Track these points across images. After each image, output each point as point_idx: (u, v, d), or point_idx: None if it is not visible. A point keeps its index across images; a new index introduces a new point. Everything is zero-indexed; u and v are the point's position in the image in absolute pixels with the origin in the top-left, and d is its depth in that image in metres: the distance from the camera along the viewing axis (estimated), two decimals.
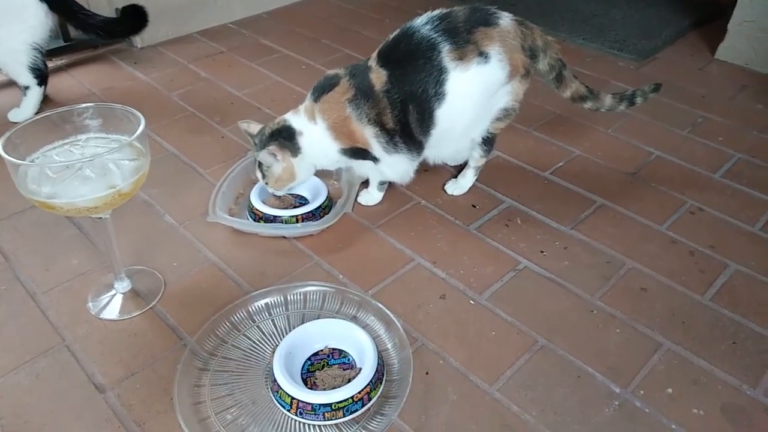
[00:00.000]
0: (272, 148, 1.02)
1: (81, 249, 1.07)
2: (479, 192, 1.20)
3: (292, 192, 1.16)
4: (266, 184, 1.08)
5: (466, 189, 1.19)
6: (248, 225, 1.07)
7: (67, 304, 0.96)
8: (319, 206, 1.10)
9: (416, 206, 1.17)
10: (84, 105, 0.87)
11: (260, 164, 1.05)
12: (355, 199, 1.16)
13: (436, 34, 0.99)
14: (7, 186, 1.19)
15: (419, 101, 1.01)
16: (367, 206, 1.16)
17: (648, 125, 1.43)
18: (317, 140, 1.04)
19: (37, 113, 1.44)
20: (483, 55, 0.99)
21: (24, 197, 0.77)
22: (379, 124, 1.02)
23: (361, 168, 1.12)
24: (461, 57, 0.99)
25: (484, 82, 1.02)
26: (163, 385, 0.82)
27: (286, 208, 1.12)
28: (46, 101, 1.49)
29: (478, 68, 1.00)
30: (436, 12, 1.01)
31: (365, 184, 1.18)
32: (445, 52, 0.98)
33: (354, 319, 0.90)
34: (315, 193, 1.15)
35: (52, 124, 0.85)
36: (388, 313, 0.89)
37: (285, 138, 1.04)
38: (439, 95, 1.00)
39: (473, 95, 1.02)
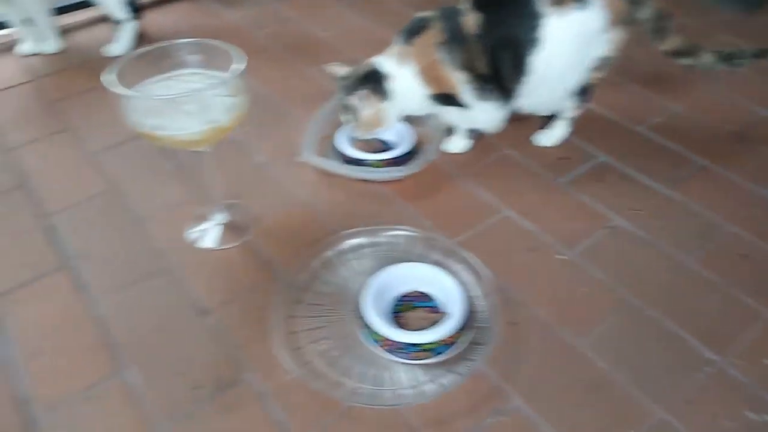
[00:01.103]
0: (361, 92, 1.02)
1: (181, 181, 1.12)
2: (570, 144, 1.17)
3: (378, 137, 1.16)
4: (352, 128, 1.08)
5: (556, 140, 1.16)
6: (336, 166, 1.09)
7: (168, 231, 1.01)
8: (406, 152, 1.10)
9: (503, 156, 1.15)
10: (184, 40, 0.89)
11: (347, 108, 1.06)
12: (441, 147, 1.15)
13: None
14: (110, 119, 1.26)
15: (513, 48, 0.98)
16: (453, 154, 1.15)
17: (757, 82, 1.34)
18: (406, 85, 1.04)
19: (134, 48, 1.49)
20: (581, 1, 0.95)
21: (130, 128, 0.81)
22: (470, 70, 1.00)
23: (449, 115, 1.10)
24: (559, 2, 0.95)
25: (581, 29, 0.98)
26: (260, 314, 0.86)
27: (372, 151, 1.13)
28: (141, 37, 1.54)
29: (576, 14, 0.96)
30: None
31: (452, 130, 1.16)
32: None
33: (441, 265, 0.91)
34: (400, 137, 1.15)
35: (153, 59, 0.88)
36: (476, 260, 0.90)
37: (374, 82, 1.04)
38: (534, 42, 0.97)
39: (569, 43, 0.98)
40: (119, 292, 0.91)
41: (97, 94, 1.36)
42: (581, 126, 1.17)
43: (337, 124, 1.18)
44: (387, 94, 1.04)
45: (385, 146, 1.16)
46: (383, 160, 1.08)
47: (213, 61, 0.89)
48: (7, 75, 1.45)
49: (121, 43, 1.49)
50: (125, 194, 1.09)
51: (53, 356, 0.83)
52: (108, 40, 1.53)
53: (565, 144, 1.17)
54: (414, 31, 1.02)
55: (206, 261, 0.96)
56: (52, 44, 1.50)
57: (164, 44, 0.88)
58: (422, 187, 1.08)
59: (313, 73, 1.42)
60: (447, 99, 1.04)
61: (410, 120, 1.15)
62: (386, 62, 1.04)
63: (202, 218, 1.03)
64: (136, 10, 1.48)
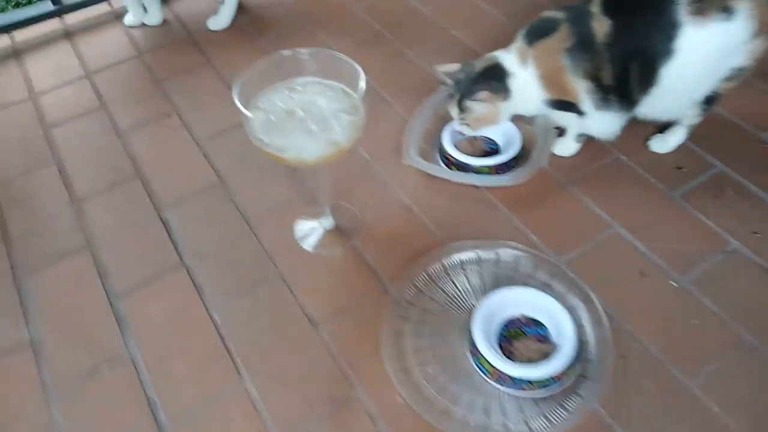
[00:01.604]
0: (484, 94, 0.99)
1: (285, 177, 1.14)
2: (686, 151, 1.12)
3: (483, 135, 1.14)
4: (461, 122, 1.06)
5: (672, 147, 1.11)
6: (441, 171, 1.09)
7: (276, 232, 1.05)
8: (513, 157, 1.08)
9: (615, 162, 1.11)
10: (305, 50, 0.89)
11: (462, 105, 1.02)
12: (550, 149, 1.12)
13: None
14: (215, 102, 1.28)
15: (643, 58, 0.93)
16: (562, 157, 1.12)
17: None
18: (525, 87, 1.01)
19: (234, 20, 1.50)
20: (727, 11, 0.88)
21: (234, 114, 0.81)
22: (595, 79, 0.95)
23: (562, 118, 1.07)
24: (700, 11, 0.88)
25: (722, 40, 0.91)
26: (369, 329, 0.90)
27: (478, 154, 1.11)
28: (241, 9, 1.54)
29: (719, 25, 0.89)
30: None
31: (561, 131, 1.13)
32: (683, 5, 0.88)
33: (548, 287, 0.91)
34: (508, 139, 1.12)
35: (273, 66, 0.88)
36: (585, 286, 0.89)
37: (495, 79, 1.00)
38: (668, 53, 0.91)
39: (706, 54, 0.92)
40: (234, 296, 0.97)
41: (201, 72, 1.39)
42: (699, 130, 1.11)
43: (441, 121, 1.17)
44: (507, 93, 1.01)
45: (490, 147, 1.14)
46: (490, 165, 1.07)
47: (331, 70, 0.89)
48: (114, 48, 1.50)
49: (222, 16, 1.50)
50: (232, 189, 1.13)
51: (175, 361, 0.90)
52: (207, 10, 1.54)
53: (681, 150, 1.12)
54: (540, 32, 0.98)
55: (315, 266, 1.00)
56: (154, 17, 1.53)
57: (285, 53, 0.88)
58: (528, 194, 1.07)
59: (413, 56, 1.39)
60: (564, 105, 1.01)
61: (517, 118, 1.12)
62: (509, 58, 1.01)
63: (308, 219, 1.06)
64: None
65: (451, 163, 1.10)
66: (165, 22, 1.56)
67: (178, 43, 1.50)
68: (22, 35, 1.55)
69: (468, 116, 1.03)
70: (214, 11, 1.52)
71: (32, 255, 1.06)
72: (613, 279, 0.94)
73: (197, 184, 1.14)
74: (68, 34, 1.55)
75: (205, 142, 1.23)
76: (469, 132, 1.08)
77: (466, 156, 1.08)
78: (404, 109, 1.25)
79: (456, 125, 1.08)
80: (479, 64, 1.02)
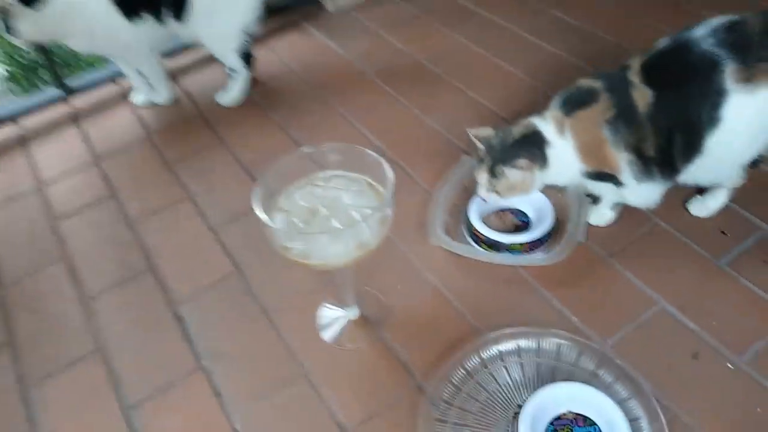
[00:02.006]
0: (523, 161, 0.94)
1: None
2: (729, 213, 1.06)
3: (515, 207, 1.09)
4: (490, 189, 0.99)
5: (713, 212, 1.05)
6: (471, 252, 1.03)
7: (298, 324, 1.00)
8: (547, 232, 1.02)
9: (654, 229, 1.05)
10: (329, 146, 0.85)
11: (495, 172, 0.97)
12: (585, 219, 1.06)
13: (721, 49, 0.83)
14: (228, 184, 1.24)
15: (688, 128, 0.88)
16: (598, 226, 1.06)
17: None
18: (562, 156, 0.95)
19: (245, 97, 1.48)
20: None
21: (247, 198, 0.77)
22: (636, 150, 0.91)
23: (597, 188, 1.02)
24: (749, 78, 0.83)
25: None
26: None
27: (508, 229, 1.06)
28: (253, 82, 1.52)
29: None
30: (722, 20, 0.85)
31: (595, 199, 1.07)
32: (729, 72, 0.83)
33: (594, 377, 0.85)
34: (539, 211, 1.07)
35: (294, 164, 0.84)
36: (634, 374, 0.83)
37: (534, 147, 0.95)
38: (714, 121, 0.86)
39: (755, 123, 0.87)
40: (255, 401, 0.91)
41: (213, 153, 1.36)
42: (742, 189, 1.05)
43: (467, 193, 1.12)
44: (545, 162, 0.95)
45: (520, 220, 1.09)
46: (523, 243, 1.01)
47: (354, 163, 0.85)
48: (122, 129, 1.48)
49: (233, 92, 1.48)
50: (249, 278, 1.08)
51: None
52: (215, 83, 1.53)
53: (724, 212, 1.06)
54: (578, 102, 0.94)
55: (341, 363, 0.94)
56: (163, 95, 1.51)
57: (306, 149, 0.85)
58: (565, 271, 1.00)
59: (431, 122, 1.35)
60: (603, 176, 0.96)
61: (547, 186, 1.07)
62: (546, 126, 0.96)
63: (331, 307, 1.00)
64: (249, 59, 1.46)
65: (480, 240, 1.04)
66: (175, 99, 1.54)
67: (189, 121, 1.48)
68: (28, 122, 1.54)
69: (500, 183, 0.97)
70: (224, 85, 1.49)
71: (40, 363, 1.01)
72: (664, 363, 0.87)
73: (212, 275, 1.10)
74: (75, 118, 1.53)
75: (219, 228, 1.19)
76: (495, 200, 1.01)
77: (497, 233, 1.03)
78: (425, 179, 1.21)
79: (482, 192, 1.01)
80: (517, 131, 0.97)
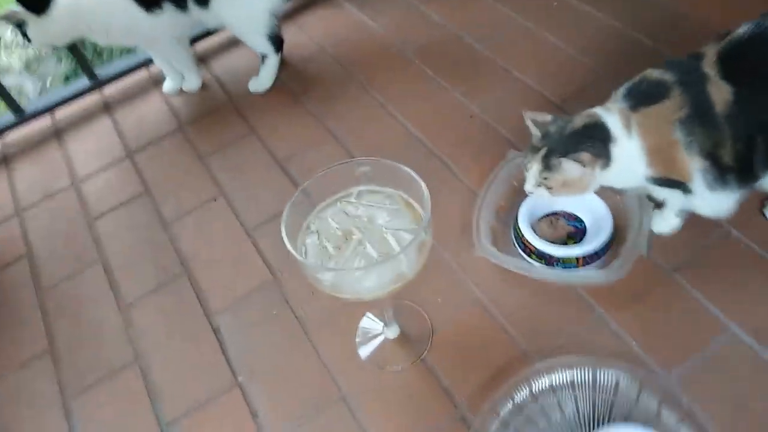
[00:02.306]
0: (586, 155, 0.82)
1: None
2: None
3: (567, 210, 1.00)
4: (541, 182, 0.88)
5: None
6: (520, 266, 0.95)
7: (337, 341, 0.95)
8: (605, 243, 0.93)
9: (725, 239, 0.95)
10: (359, 160, 0.78)
11: (549, 165, 0.85)
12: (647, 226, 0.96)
13: None
14: (262, 180, 1.19)
15: None
16: (661, 235, 0.97)
17: None
18: (626, 157, 0.84)
19: (275, 81, 1.41)
20: None
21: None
22: (711, 157, 0.80)
23: (662, 193, 0.92)
24: None
25: None
26: None
27: (561, 238, 0.98)
28: (282, 65, 1.45)
29: None
30: None
31: (659, 203, 0.97)
32: None
33: (656, 416, 0.78)
34: (595, 217, 0.98)
35: (327, 177, 0.78)
36: (703, 416, 0.75)
37: (599, 141, 0.83)
38: None
39: None
40: (292, 423, 0.87)
41: (245, 144, 1.31)
42: None
43: (516, 195, 1.03)
44: (609, 160, 0.84)
45: (574, 226, 1.00)
46: (579, 257, 0.93)
47: (384, 175, 0.78)
48: (154, 119, 1.44)
49: (264, 77, 1.41)
50: (287, 287, 1.04)
51: None
52: (247, 67, 1.46)
53: None
54: (646, 96, 0.83)
55: (381, 386, 0.90)
56: (192, 82, 1.45)
57: (337, 164, 0.78)
58: (624, 287, 0.92)
59: (476, 109, 1.26)
60: (671, 183, 0.86)
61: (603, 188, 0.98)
62: (612, 120, 0.84)
63: (371, 322, 0.96)
64: (280, 44, 1.38)
65: (530, 251, 0.96)
66: (204, 86, 1.48)
67: (219, 109, 1.42)
68: (62, 113, 1.51)
69: (553, 178, 0.86)
70: (255, 70, 1.42)
71: (81, 373, 1.01)
72: (738, 403, 0.79)
73: (249, 283, 1.06)
74: (107, 107, 1.50)
75: (254, 231, 1.14)
76: (542, 197, 0.90)
77: (548, 244, 0.94)
78: (470, 176, 1.12)
79: (529, 186, 0.90)
80: (579, 120, 0.86)
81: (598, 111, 0.86)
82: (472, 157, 1.16)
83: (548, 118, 0.88)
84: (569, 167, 0.83)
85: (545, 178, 0.87)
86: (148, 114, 1.45)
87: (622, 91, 0.86)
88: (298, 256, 0.69)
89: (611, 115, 0.84)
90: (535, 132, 0.89)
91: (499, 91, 1.28)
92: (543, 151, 0.86)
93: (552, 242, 0.96)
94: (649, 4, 1.37)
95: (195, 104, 1.45)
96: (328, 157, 1.22)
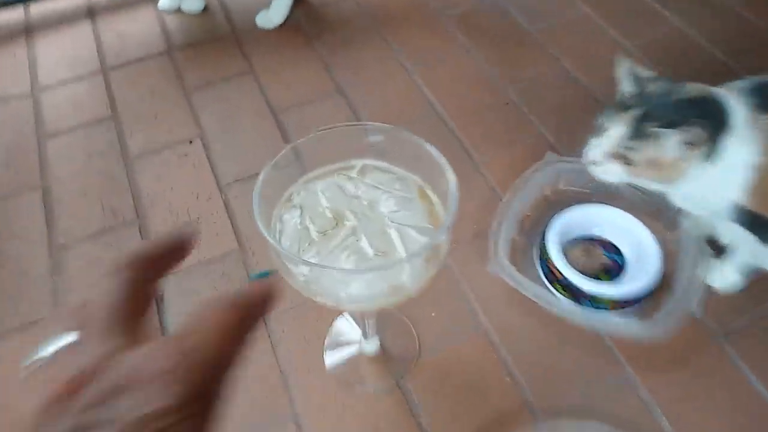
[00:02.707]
0: (697, 132, 0.63)
1: None
2: None
3: (604, 235, 0.83)
4: (625, 153, 0.67)
5: None
6: (539, 295, 0.77)
7: (298, 340, 0.78)
8: (648, 288, 0.76)
9: None
10: (371, 124, 0.59)
11: (642, 134, 0.65)
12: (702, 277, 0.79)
13: None
14: (249, 130, 1.00)
15: None
16: (717, 291, 0.79)
17: None
18: (730, 165, 0.64)
19: (287, 19, 1.21)
20: None
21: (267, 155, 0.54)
22: None
23: (735, 236, 0.74)
24: None
25: None
26: None
27: (594, 268, 0.80)
28: (299, 3, 1.24)
29: None
30: None
31: (715, 245, 0.79)
32: None
33: None
34: (638, 250, 0.81)
35: (323, 144, 0.60)
36: None
37: (715, 125, 0.64)
38: None
39: None
40: None
41: (240, 84, 1.11)
42: None
43: (548, 206, 0.86)
44: (714, 153, 0.64)
45: (610, 258, 0.82)
46: (615, 299, 0.75)
47: (401, 151, 0.60)
48: (141, 36, 1.23)
49: (275, 11, 1.21)
50: (250, 263, 0.86)
51: None
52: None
53: None
54: None
55: (344, 408, 0.72)
56: (195, 2, 1.24)
57: (346, 126, 0.59)
58: (662, 346, 0.74)
59: (512, 92, 1.07)
60: (760, 226, 0.68)
61: (650, 215, 0.80)
62: (734, 107, 0.64)
63: (343, 336, 0.78)
64: None
65: (554, 279, 0.79)
66: (206, 9, 1.27)
67: (218, 39, 1.22)
68: (37, 8, 1.30)
69: (643, 151, 0.66)
70: (267, 1, 1.22)
71: None
72: None
73: (209, 249, 0.88)
74: (91, 12, 1.29)
75: (228, 187, 0.96)
76: (611, 173, 0.69)
77: (579, 275, 0.77)
78: (493, 172, 0.94)
79: (596, 154, 0.70)
80: (693, 90, 0.67)
81: (717, 90, 0.67)
82: (501, 150, 0.98)
83: (649, 73, 0.69)
84: (670, 142, 0.64)
85: (629, 148, 0.67)
86: (135, 29, 1.25)
87: (745, 84, 0.67)
88: (266, 234, 0.51)
89: (736, 102, 0.65)
90: (629, 86, 0.69)
91: (543, 80, 1.10)
92: (636, 113, 0.66)
93: (582, 273, 0.78)
94: (732, 17, 1.19)
95: (191, 28, 1.24)
96: (331, 116, 1.03)
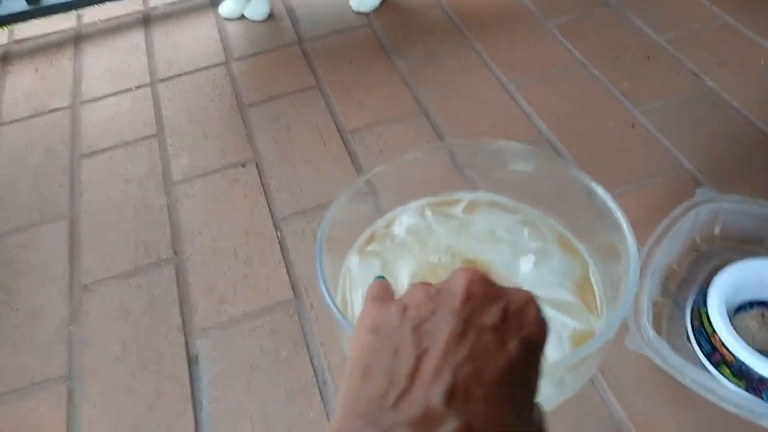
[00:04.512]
0: None
1: None
2: None
3: None
4: None
5: None
6: (703, 383, 0.57)
7: None
8: None
9: None
10: (511, 144, 0.43)
11: None
12: None
13: None
14: (313, 154, 0.86)
15: None
16: None
17: None
18: None
19: (364, 24, 1.07)
20: None
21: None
22: None
23: None
24: None
25: None
26: None
27: None
28: (381, 11, 1.11)
29: None
30: None
31: None
32: None
33: None
34: None
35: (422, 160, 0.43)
36: None
37: None
38: None
39: None
40: None
41: (304, 100, 0.98)
42: None
43: (703, 258, 0.67)
44: None
45: None
46: None
47: (538, 184, 0.43)
48: (197, 46, 1.12)
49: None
50: (307, 318, 0.70)
51: None
52: (326, 3, 1.13)
53: None
54: None
55: None
56: (259, 9, 1.13)
57: (461, 143, 0.44)
58: None
59: (637, 115, 0.88)
60: None
61: None
62: None
63: None
64: None
65: (723, 359, 0.58)
66: (271, 16, 1.16)
67: (283, 50, 1.09)
68: (90, 16, 1.22)
69: None
70: (339, 9, 1.09)
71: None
72: None
73: (257, 298, 0.73)
74: (146, 20, 1.19)
75: (284, 222, 0.81)
76: None
77: (759, 355, 0.56)
78: (627, 215, 0.75)
79: None
80: None
81: None
82: (630, 185, 0.79)
83: None
84: None
85: None
86: (192, 38, 1.14)
87: None
88: (339, 314, 0.34)
89: None
90: None
91: (680, 100, 0.91)
92: None
93: (760, 352, 0.57)
94: None
95: (254, 37, 1.12)
96: (411, 139, 0.88)
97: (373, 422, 0.23)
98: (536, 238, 0.41)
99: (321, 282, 0.36)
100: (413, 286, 0.30)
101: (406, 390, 0.24)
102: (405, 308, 0.28)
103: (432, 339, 0.26)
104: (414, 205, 0.45)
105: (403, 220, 0.44)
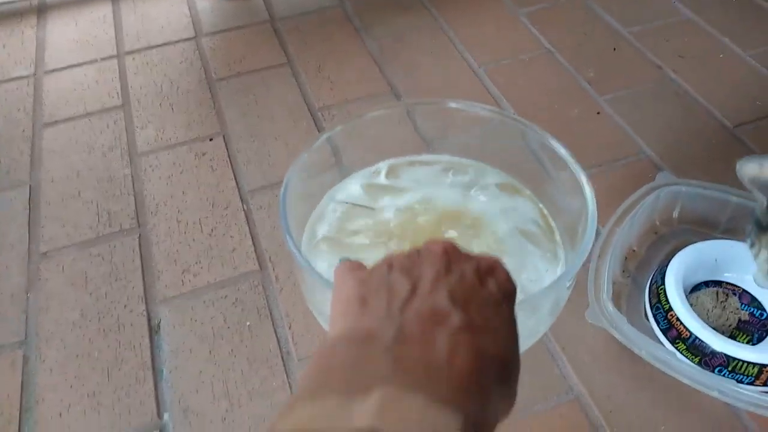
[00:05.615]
0: None
1: None
2: None
3: (743, 283, 0.64)
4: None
5: None
6: (661, 357, 0.58)
7: None
8: None
9: None
10: (465, 102, 0.43)
11: None
12: None
13: None
14: (281, 129, 0.86)
15: None
16: None
17: None
18: None
19: (332, 5, 1.06)
20: None
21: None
22: None
23: None
24: None
25: None
26: None
27: (729, 324, 0.62)
28: None
29: None
30: None
31: None
32: None
33: None
34: None
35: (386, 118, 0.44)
36: None
37: None
38: None
39: None
40: None
41: (273, 77, 0.97)
42: None
43: (660, 239, 0.69)
44: None
45: (749, 312, 0.64)
46: (759, 365, 0.56)
47: (499, 147, 0.43)
48: (166, 20, 1.10)
49: None
50: (272, 289, 0.69)
51: None
52: None
53: None
54: None
55: None
56: None
57: (421, 103, 0.44)
58: None
59: (603, 102, 0.90)
60: None
61: None
62: None
63: None
64: None
65: (678, 336, 0.60)
66: None
67: (254, 26, 1.08)
68: None
69: None
70: None
71: None
72: None
73: (222, 269, 0.72)
74: None
75: (251, 194, 0.80)
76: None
77: (714, 332, 0.58)
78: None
79: (762, 277, 0.58)
80: None
81: None
82: (592, 169, 0.81)
83: None
84: None
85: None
86: (160, 11, 1.12)
87: None
88: (291, 244, 0.34)
89: None
90: (762, 199, 0.54)
91: (644, 90, 0.93)
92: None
93: (714, 328, 0.59)
94: None
95: (225, 12, 1.11)
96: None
97: (387, 318, 0.25)
98: (506, 200, 0.42)
99: (283, 219, 0.36)
100: (390, 253, 0.32)
101: (408, 300, 0.26)
102: (389, 264, 0.30)
103: (420, 274, 0.28)
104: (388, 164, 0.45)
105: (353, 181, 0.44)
